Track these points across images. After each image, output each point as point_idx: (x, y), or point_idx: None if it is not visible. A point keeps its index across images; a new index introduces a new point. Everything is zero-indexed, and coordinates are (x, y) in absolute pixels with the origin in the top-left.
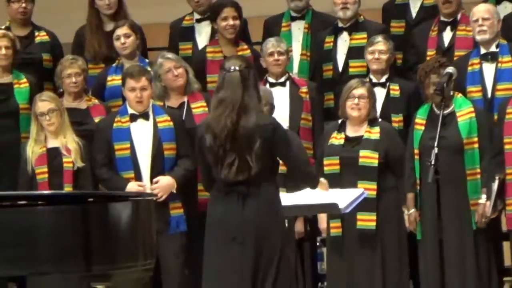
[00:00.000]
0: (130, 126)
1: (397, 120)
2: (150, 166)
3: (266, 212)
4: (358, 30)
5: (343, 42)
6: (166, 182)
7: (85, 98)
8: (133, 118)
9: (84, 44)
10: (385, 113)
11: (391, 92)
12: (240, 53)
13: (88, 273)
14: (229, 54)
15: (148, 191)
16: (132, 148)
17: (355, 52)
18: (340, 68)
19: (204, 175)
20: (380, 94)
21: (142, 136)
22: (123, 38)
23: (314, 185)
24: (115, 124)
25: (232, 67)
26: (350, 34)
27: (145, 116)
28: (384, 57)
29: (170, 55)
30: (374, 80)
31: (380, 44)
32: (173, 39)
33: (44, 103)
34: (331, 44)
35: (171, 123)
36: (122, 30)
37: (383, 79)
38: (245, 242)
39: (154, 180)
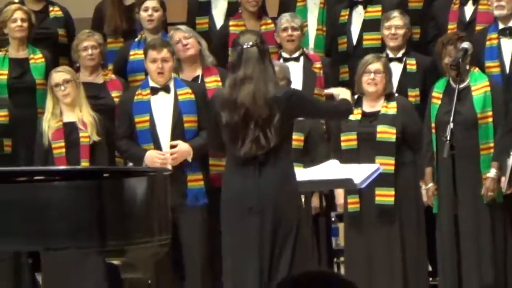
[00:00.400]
0: (151, 99)
1: (413, 94)
2: (170, 138)
3: (283, 184)
4: (373, 3)
5: (358, 15)
6: (183, 148)
7: (101, 73)
8: (154, 91)
9: (103, 19)
10: (402, 88)
11: (408, 67)
12: (263, 27)
13: (103, 249)
14: (252, 28)
15: (168, 156)
16: (152, 120)
17: (369, 25)
18: (355, 41)
19: (215, 144)
20: (396, 69)
21: (162, 108)
22: (151, 11)
23: (348, 111)
24: (135, 97)
25: (248, 43)
26: (365, 8)
27: (166, 89)
28: (400, 32)
29: (181, 27)
30: (391, 55)
31: (397, 19)
32: (190, 14)
33: (59, 73)
34: (346, 17)
35: (192, 96)
36: (152, 3)
37: (399, 54)
38: (263, 212)
39: (173, 143)
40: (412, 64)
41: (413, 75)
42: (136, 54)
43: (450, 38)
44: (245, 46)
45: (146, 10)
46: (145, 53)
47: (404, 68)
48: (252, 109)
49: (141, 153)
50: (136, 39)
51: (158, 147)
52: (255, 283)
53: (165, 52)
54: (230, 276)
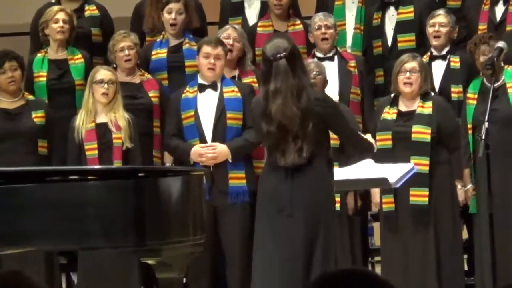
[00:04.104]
0: (198, 96)
1: (456, 91)
2: (212, 134)
3: (316, 189)
4: (405, 4)
5: (391, 17)
6: (220, 149)
7: (138, 73)
8: (202, 88)
9: (142, 18)
10: (445, 84)
11: (452, 64)
12: (291, 28)
13: (139, 248)
14: (280, 28)
15: (208, 150)
16: (196, 115)
17: (402, 27)
18: (389, 44)
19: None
20: (440, 66)
21: (207, 104)
22: (175, 14)
23: (369, 150)
24: (183, 95)
25: (276, 55)
26: (397, 9)
27: (213, 86)
28: (443, 30)
29: (238, 28)
30: (435, 53)
31: (441, 17)
32: (223, 16)
33: (107, 72)
34: (379, 20)
35: (239, 94)
36: (176, 6)
37: (443, 52)
38: (295, 215)
39: (211, 144)
40: (455, 62)
41: (456, 72)
42: (158, 53)
43: (482, 37)
44: (273, 59)
45: (169, 12)
46: (199, 48)
47: (448, 65)
48: (284, 122)
49: (188, 148)
50: (158, 39)
51: (203, 141)
52: (285, 282)
53: (219, 50)
54: (261, 275)
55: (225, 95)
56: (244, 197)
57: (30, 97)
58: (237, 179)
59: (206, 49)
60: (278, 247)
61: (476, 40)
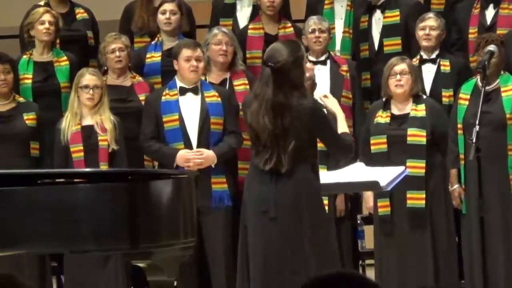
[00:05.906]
0: (179, 99)
1: (447, 95)
2: (197, 139)
3: (300, 192)
4: (391, 8)
5: (377, 21)
6: (207, 154)
7: (129, 76)
8: (182, 91)
9: (132, 19)
10: (436, 88)
11: (442, 67)
12: (281, 31)
13: (131, 251)
14: (270, 31)
15: (196, 157)
16: (181, 119)
17: (389, 30)
18: (376, 47)
19: None
20: (430, 69)
21: (191, 108)
22: (169, 14)
23: (351, 146)
24: (163, 97)
25: (268, 63)
26: (383, 12)
27: (194, 90)
28: (434, 33)
29: (227, 31)
30: (425, 56)
31: (431, 20)
32: (215, 16)
33: (93, 77)
34: (366, 23)
35: (219, 99)
36: (170, 6)
37: (433, 55)
38: (279, 218)
39: (198, 150)
40: (446, 65)
41: (446, 76)
42: (152, 57)
43: (497, 38)
44: (263, 63)
45: (163, 13)
46: (178, 52)
47: (438, 69)
48: (256, 127)
49: (173, 152)
50: (153, 42)
51: (188, 145)
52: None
53: (199, 52)
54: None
55: (207, 99)
56: (227, 201)
57: (21, 99)
58: (219, 184)
59: (187, 52)
60: (263, 248)
61: (488, 38)
